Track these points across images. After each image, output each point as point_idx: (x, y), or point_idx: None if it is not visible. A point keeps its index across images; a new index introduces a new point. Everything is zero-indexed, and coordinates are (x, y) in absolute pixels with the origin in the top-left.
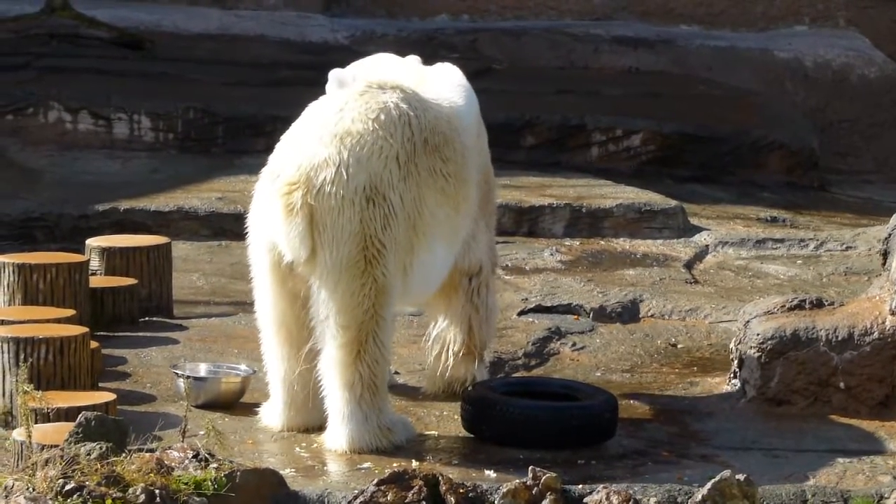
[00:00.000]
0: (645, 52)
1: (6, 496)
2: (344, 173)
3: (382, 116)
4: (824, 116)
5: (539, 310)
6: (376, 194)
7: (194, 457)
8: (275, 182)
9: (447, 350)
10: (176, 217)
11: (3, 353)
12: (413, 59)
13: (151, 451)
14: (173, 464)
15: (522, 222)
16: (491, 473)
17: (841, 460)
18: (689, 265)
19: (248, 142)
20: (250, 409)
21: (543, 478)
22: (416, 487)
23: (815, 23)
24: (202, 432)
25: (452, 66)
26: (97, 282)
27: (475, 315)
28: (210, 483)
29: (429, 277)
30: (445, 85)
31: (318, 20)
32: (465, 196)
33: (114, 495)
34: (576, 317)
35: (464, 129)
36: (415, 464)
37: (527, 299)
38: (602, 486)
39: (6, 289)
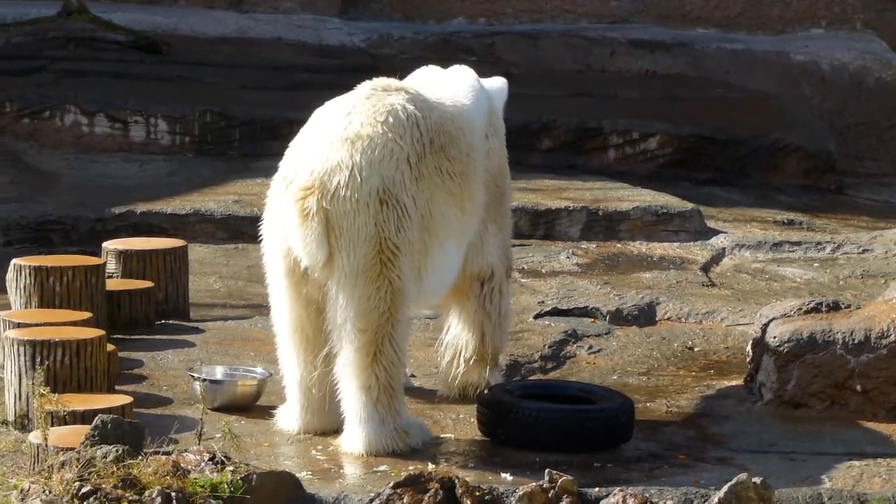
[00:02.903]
0: (661, 56)
1: (23, 499)
2: (357, 176)
3: (391, 119)
4: (841, 119)
5: (555, 313)
6: (389, 196)
7: (210, 459)
8: (288, 188)
9: (459, 356)
10: (192, 220)
11: (19, 355)
12: (459, 68)
13: (167, 453)
14: (189, 466)
15: (539, 225)
16: (507, 476)
17: (857, 463)
18: (705, 268)
19: (265, 145)
20: (266, 412)
21: (560, 480)
22: (432, 490)
23: (831, 26)
24: (218, 435)
25: (466, 69)
26: (114, 284)
27: (487, 321)
28: (226, 486)
29: (442, 278)
30: (454, 86)
31: (334, 23)
32: (469, 196)
33: (130, 498)
34: (592, 320)
35: (470, 130)
36: (431, 467)
37: (543, 302)
38: (618, 489)
39: (23, 291)
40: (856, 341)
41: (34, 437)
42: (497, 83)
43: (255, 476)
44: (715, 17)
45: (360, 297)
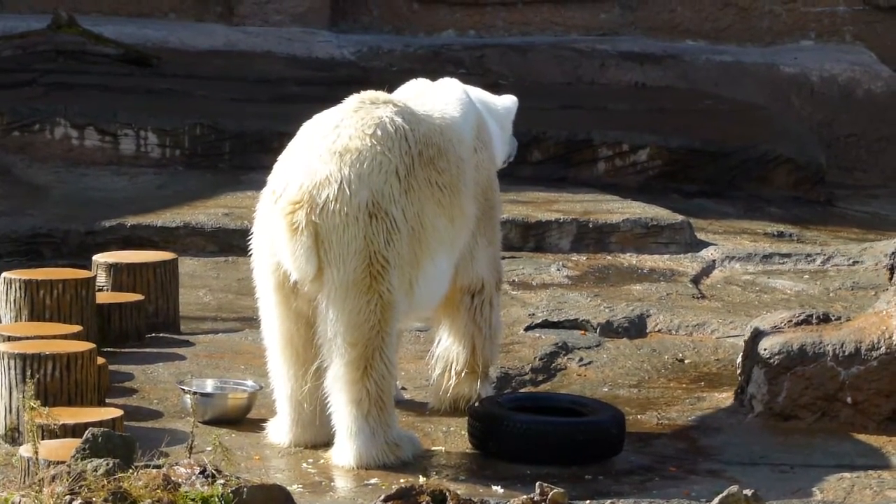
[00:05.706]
0: (651, 68)
1: None
2: (346, 190)
3: (379, 132)
4: (831, 131)
5: (546, 325)
6: (378, 210)
7: (201, 473)
8: (277, 202)
9: (450, 369)
10: (183, 233)
11: (9, 369)
12: (448, 80)
13: (158, 467)
14: (180, 480)
15: (529, 237)
16: (498, 489)
17: (848, 475)
18: (695, 280)
19: (255, 157)
20: (257, 425)
21: (551, 493)
22: (423, 503)
23: (820, 37)
24: (209, 448)
25: (454, 81)
26: (104, 298)
27: (478, 334)
28: (217, 499)
29: (432, 291)
30: (442, 99)
31: (324, 36)
32: (459, 208)
33: None
34: (583, 332)
35: (459, 142)
36: (422, 479)
37: (533, 314)
38: (609, 501)
39: (13, 305)
40: (846, 353)
41: (25, 450)
42: (507, 101)
43: (245, 489)
44: (704, 29)
45: (350, 311)
